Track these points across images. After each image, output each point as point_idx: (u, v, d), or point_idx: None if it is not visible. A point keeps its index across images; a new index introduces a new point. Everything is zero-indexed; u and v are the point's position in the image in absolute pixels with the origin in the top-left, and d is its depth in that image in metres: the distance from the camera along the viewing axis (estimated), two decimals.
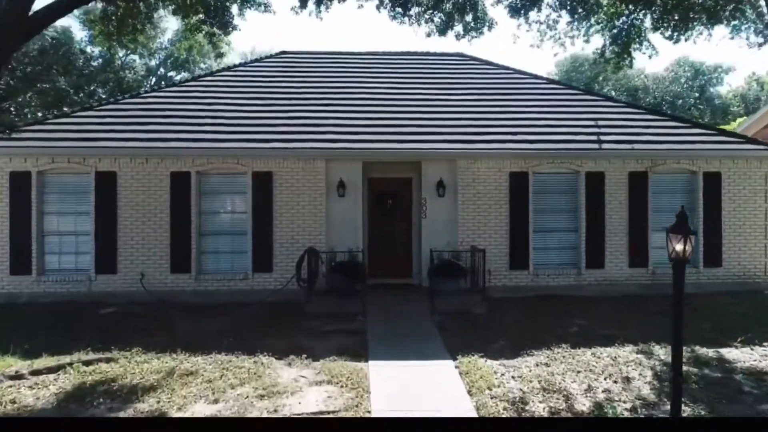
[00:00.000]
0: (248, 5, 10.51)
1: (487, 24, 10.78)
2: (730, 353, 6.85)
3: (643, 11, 10.94)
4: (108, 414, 5.15)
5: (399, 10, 10.41)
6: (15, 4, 6.24)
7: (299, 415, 5.14)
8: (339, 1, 10.28)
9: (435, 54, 14.94)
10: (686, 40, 11.07)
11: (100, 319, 8.55)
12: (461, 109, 11.52)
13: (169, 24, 27.66)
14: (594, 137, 10.59)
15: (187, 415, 5.13)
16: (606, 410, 5.23)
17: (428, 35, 10.90)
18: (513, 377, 6.10)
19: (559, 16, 11.04)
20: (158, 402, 5.35)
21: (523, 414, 5.19)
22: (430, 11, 10.53)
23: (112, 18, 10.21)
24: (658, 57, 11.51)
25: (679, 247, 3.64)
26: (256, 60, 14.86)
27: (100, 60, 27.06)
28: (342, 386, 5.82)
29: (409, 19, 10.66)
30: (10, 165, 9.66)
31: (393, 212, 11.02)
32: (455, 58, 14.65)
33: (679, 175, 10.47)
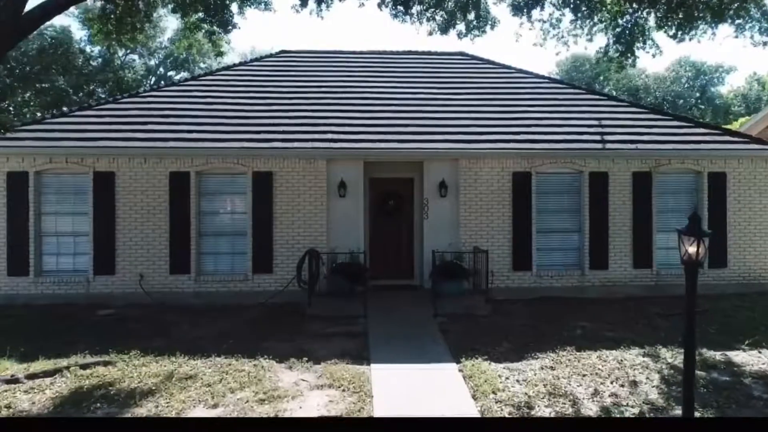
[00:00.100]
0: (248, 3, 10.39)
1: (490, 22, 10.64)
2: (738, 356, 6.74)
3: (647, 9, 10.81)
4: None
5: (400, 8, 10.27)
6: (7, 3, 6.13)
7: None
8: (340, 0, 10.17)
9: (436, 53, 14.84)
10: (690, 39, 10.94)
11: (98, 321, 8.44)
12: (463, 109, 11.42)
13: (169, 23, 27.61)
14: (597, 137, 10.49)
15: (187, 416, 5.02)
16: (613, 415, 5.12)
17: (430, 34, 10.76)
18: (518, 381, 6.00)
19: (562, 14, 10.89)
20: (156, 407, 5.24)
21: None
22: (432, 9, 10.39)
23: (111, 16, 10.11)
24: (662, 56, 11.36)
25: (691, 249, 3.53)
26: (256, 59, 14.75)
27: (100, 59, 26.98)
28: (344, 390, 5.71)
29: (411, 18, 10.52)
30: (7, 165, 9.55)
31: (395, 213, 10.92)
32: (457, 57, 14.55)
33: (683, 175, 10.36)
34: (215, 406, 5.30)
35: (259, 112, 11.06)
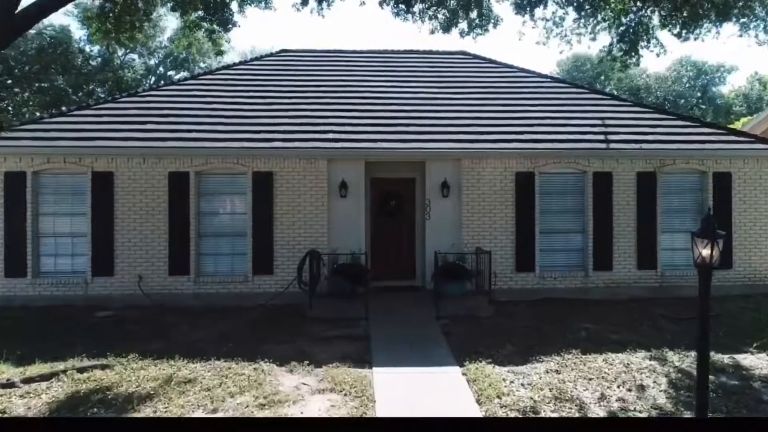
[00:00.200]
0: (248, 2, 10.32)
1: (492, 21, 10.56)
2: (746, 359, 6.63)
3: (651, 8, 10.71)
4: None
5: (402, 6, 10.19)
6: (1, 1, 6.03)
7: None
8: None
9: (438, 52, 14.72)
10: (696, 38, 10.84)
11: (96, 323, 8.33)
12: (465, 108, 11.31)
13: (169, 22, 27.50)
14: (601, 136, 10.38)
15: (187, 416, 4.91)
16: None
17: (432, 32, 10.68)
18: (522, 385, 5.89)
19: (566, 12, 10.82)
20: (155, 412, 5.14)
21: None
22: (434, 8, 10.31)
23: (109, 15, 10.04)
24: (666, 55, 11.25)
25: (705, 252, 3.43)
26: (256, 58, 14.63)
27: (99, 59, 26.86)
28: (346, 394, 5.61)
29: (413, 16, 10.45)
30: (5, 165, 9.44)
31: (396, 213, 10.81)
32: (458, 57, 14.45)
33: (688, 175, 10.25)
34: (215, 411, 5.20)
35: (260, 112, 10.95)
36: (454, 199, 10.01)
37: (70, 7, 23.65)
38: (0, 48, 6.63)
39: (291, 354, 6.80)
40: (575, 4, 10.57)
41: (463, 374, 6.15)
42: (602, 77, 38.84)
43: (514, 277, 9.91)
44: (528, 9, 10.23)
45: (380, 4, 10.37)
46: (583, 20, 10.90)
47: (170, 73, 29.90)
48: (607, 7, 10.80)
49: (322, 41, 61.10)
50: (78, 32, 30.04)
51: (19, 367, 6.28)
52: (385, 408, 5.24)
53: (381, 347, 7.10)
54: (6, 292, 9.36)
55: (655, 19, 11.01)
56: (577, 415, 5.17)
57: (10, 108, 24.06)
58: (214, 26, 10.45)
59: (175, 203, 9.59)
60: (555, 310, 9.02)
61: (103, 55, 26.65)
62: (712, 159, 10.14)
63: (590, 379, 5.99)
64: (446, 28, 10.42)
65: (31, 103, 24.02)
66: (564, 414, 5.16)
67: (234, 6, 10.35)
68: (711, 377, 6.00)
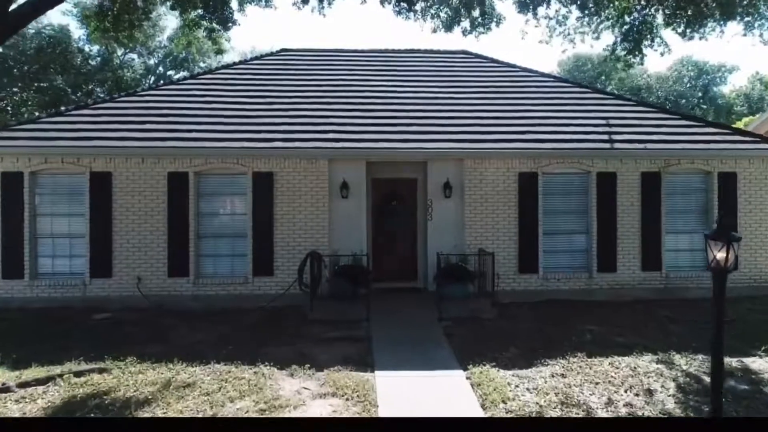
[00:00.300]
0: (248, 0, 10.19)
1: (495, 19, 10.44)
2: (755, 363, 6.52)
3: (656, 7, 10.61)
4: None
5: (404, 5, 10.08)
6: None
7: None
8: None
9: (439, 51, 14.61)
10: (701, 38, 10.74)
11: (94, 326, 8.21)
12: (467, 108, 11.20)
13: (168, 22, 27.36)
14: (605, 136, 10.27)
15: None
16: None
17: (434, 31, 10.57)
18: (528, 389, 5.78)
19: (569, 11, 10.72)
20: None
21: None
22: (436, 6, 10.20)
23: (108, 13, 9.93)
24: (670, 54, 11.14)
25: (720, 255, 3.32)
26: (257, 57, 14.51)
27: (98, 59, 26.75)
28: (348, 399, 5.49)
29: (415, 15, 10.34)
30: (2, 165, 9.33)
31: (398, 214, 10.69)
32: (460, 56, 14.33)
33: (693, 175, 10.14)
34: (214, 416, 5.08)
35: (260, 111, 10.84)
36: (457, 199, 9.90)
37: (69, 6, 23.56)
38: None
39: (292, 357, 6.68)
40: (578, 3, 10.47)
41: (467, 378, 6.04)
42: (603, 77, 38.75)
43: (517, 279, 9.81)
44: (531, 7, 10.13)
45: (381, 2, 10.27)
46: (586, 19, 10.80)
47: (170, 72, 29.78)
48: (611, 5, 10.71)
49: (323, 41, 61.03)
50: (77, 32, 29.94)
51: (15, 371, 6.17)
52: (387, 413, 5.13)
53: (383, 350, 6.99)
54: (3, 293, 9.24)
55: (659, 18, 10.92)
56: None
57: (9, 108, 23.95)
58: (214, 25, 10.35)
59: (175, 204, 9.48)
60: (559, 312, 8.90)
61: (103, 54, 26.54)
62: (717, 159, 10.03)
63: (597, 384, 5.88)
64: (448, 26, 10.31)
65: (30, 102, 23.91)
66: None
67: (234, 4, 10.26)
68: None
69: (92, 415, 5.10)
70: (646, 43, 10.99)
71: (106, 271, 9.39)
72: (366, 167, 9.92)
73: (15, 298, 9.22)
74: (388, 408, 5.24)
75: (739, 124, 23.06)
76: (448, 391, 5.73)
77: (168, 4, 10.15)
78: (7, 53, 22.70)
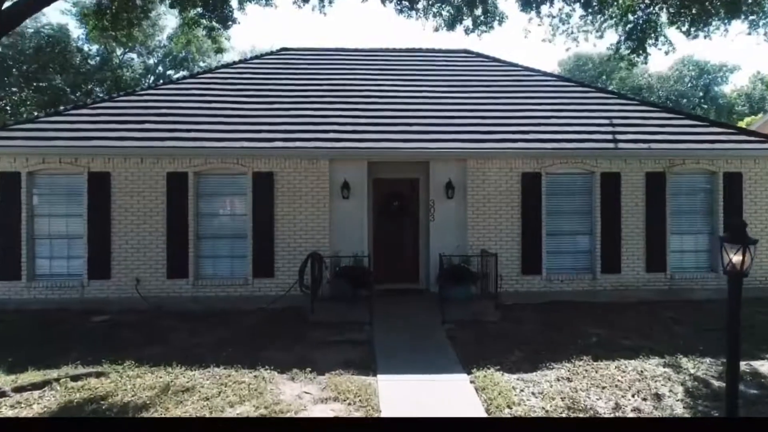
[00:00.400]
0: None
1: (497, 18, 10.33)
2: (764, 366, 6.41)
3: (660, 5, 10.50)
4: None
5: (406, 3, 9.97)
6: None
7: None
8: None
9: (440, 51, 14.50)
10: (705, 36, 10.63)
11: (92, 328, 8.10)
12: (470, 108, 11.08)
13: (168, 21, 27.26)
14: (609, 136, 10.16)
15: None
16: None
17: (436, 30, 10.45)
18: (533, 394, 5.67)
19: (573, 9, 10.61)
20: None
21: None
22: (438, 4, 10.09)
23: (107, 12, 9.82)
24: (674, 52, 11.02)
25: (736, 258, 3.20)
26: (257, 56, 14.40)
27: (98, 58, 26.63)
28: (350, 404, 5.38)
29: (416, 13, 10.22)
30: None
31: (399, 214, 10.58)
32: (461, 55, 14.22)
33: (698, 175, 10.04)
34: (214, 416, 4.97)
35: (260, 111, 10.72)
36: (459, 200, 9.79)
37: (68, 5, 23.45)
38: None
39: (292, 360, 6.58)
40: (582, 1, 10.35)
41: (471, 382, 5.93)
42: (604, 77, 38.66)
43: (520, 280, 9.70)
44: (534, 6, 10.01)
45: (383, 1, 10.16)
46: (590, 17, 10.69)
47: (169, 72, 29.66)
48: (615, 4, 10.59)
49: (324, 40, 60.89)
50: (76, 31, 29.85)
51: (11, 375, 6.06)
52: None
53: (385, 353, 6.88)
54: (0, 295, 9.13)
55: (664, 17, 10.81)
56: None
57: (8, 108, 23.84)
58: (214, 23, 10.25)
59: (174, 204, 9.36)
60: (563, 313, 8.80)
61: (102, 54, 26.43)
62: (723, 159, 9.92)
63: (603, 388, 5.77)
64: (451, 25, 10.19)
65: (28, 102, 23.80)
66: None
67: (234, 2, 10.15)
68: None
69: None
70: (650, 41, 10.88)
71: (104, 273, 9.28)
72: (367, 167, 9.81)
73: (12, 299, 9.11)
74: (390, 413, 5.14)
75: (741, 124, 22.97)
76: (451, 396, 5.62)
77: (167, 2, 10.03)
78: (6, 53, 22.59)
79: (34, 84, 23.69)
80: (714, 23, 11.01)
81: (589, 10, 10.45)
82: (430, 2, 10.10)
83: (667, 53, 11.07)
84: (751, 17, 11.22)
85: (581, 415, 5.13)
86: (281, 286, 9.35)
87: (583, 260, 9.93)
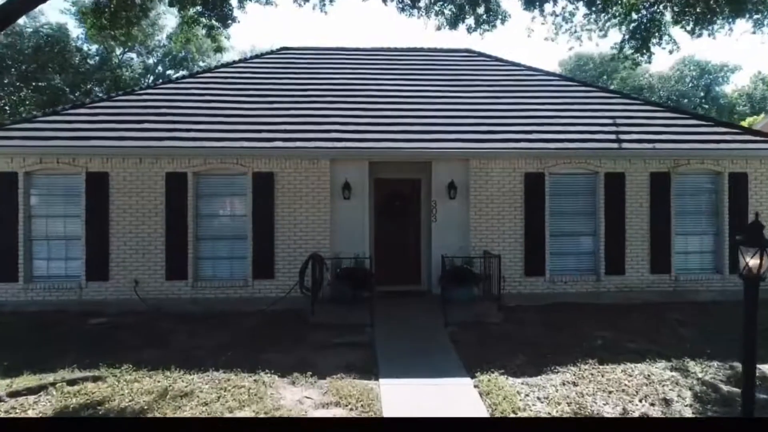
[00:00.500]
0: None
1: (500, 16, 10.23)
2: None
3: (664, 4, 10.41)
4: None
5: (408, 1, 9.87)
6: None
7: None
8: None
9: (442, 50, 14.37)
10: (710, 35, 10.54)
11: (89, 331, 7.98)
12: (472, 107, 10.97)
13: (167, 21, 27.12)
14: (613, 136, 10.05)
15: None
16: None
17: (438, 28, 10.35)
18: (539, 398, 5.57)
19: (576, 8, 10.52)
20: None
21: None
22: (441, 3, 9.99)
23: (105, 10, 9.71)
24: (679, 51, 10.92)
25: (753, 262, 3.10)
26: (256, 56, 14.29)
27: (97, 58, 26.52)
28: (351, 409, 5.28)
29: (418, 12, 10.13)
30: None
31: (401, 215, 10.47)
32: (463, 55, 14.10)
33: (703, 175, 9.93)
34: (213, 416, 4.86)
35: (260, 111, 10.61)
36: (461, 200, 9.68)
37: (67, 4, 23.36)
38: None
39: (293, 363, 6.47)
40: (585, 0, 10.25)
41: (475, 386, 5.83)
42: (605, 77, 38.55)
43: (524, 282, 9.59)
44: (538, 4, 9.91)
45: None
46: (593, 16, 10.59)
47: (169, 72, 29.53)
48: (618, 2, 10.50)
49: (325, 39, 60.75)
50: (75, 30, 29.79)
51: (6, 379, 5.94)
52: None
53: (387, 356, 6.77)
54: None
55: (668, 16, 10.72)
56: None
57: (6, 107, 23.74)
58: (213, 22, 10.15)
59: (173, 205, 9.25)
60: (566, 315, 8.68)
61: (101, 53, 26.32)
62: (728, 159, 9.81)
63: (610, 392, 5.67)
64: (453, 23, 10.09)
65: (27, 102, 23.69)
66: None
67: (233, 1, 10.04)
68: (738, 390, 5.68)
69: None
70: (654, 41, 10.79)
71: (102, 274, 9.16)
72: (368, 167, 9.70)
73: (9, 301, 8.99)
74: None
75: (743, 125, 22.88)
76: (455, 400, 5.51)
77: (166, 0, 9.93)
78: (4, 52, 22.48)
79: (33, 84, 23.57)
80: (718, 22, 10.92)
81: (593, 9, 10.36)
82: (432, 0, 10.00)
83: (671, 52, 11.01)
84: (756, 16, 11.14)
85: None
86: (281, 287, 9.24)
87: (586, 261, 9.82)
